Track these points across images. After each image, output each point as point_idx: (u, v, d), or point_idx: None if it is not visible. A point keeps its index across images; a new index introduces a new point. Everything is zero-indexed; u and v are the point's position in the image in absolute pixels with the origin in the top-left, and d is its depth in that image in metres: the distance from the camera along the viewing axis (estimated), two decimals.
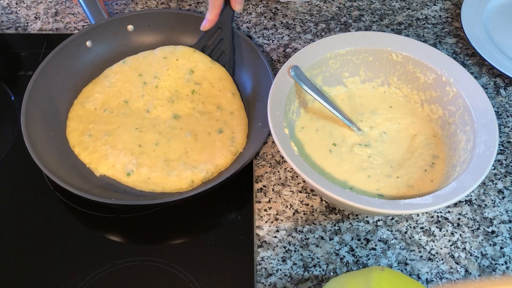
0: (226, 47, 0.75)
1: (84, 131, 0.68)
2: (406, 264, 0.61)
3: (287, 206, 0.65)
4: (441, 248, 0.62)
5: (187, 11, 0.83)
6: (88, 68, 0.75)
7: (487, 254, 0.62)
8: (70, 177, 0.63)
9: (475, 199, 0.66)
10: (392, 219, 0.64)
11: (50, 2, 0.89)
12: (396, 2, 0.92)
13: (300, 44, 0.84)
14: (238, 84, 0.75)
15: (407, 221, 0.64)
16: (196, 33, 0.76)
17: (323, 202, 0.66)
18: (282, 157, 0.69)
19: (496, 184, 0.68)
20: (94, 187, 0.63)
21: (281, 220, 0.64)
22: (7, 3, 0.89)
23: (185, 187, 0.64)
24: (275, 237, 0.62)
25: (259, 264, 0.60)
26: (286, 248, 0.61)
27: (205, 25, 0.73)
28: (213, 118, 0.70)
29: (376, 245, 0.62)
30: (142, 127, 0.69)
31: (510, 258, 0.61)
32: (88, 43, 0.75)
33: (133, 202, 0.61)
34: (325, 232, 0.63)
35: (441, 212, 0.65)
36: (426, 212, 0.64)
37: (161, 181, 0.64)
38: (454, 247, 0.62)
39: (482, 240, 0.63)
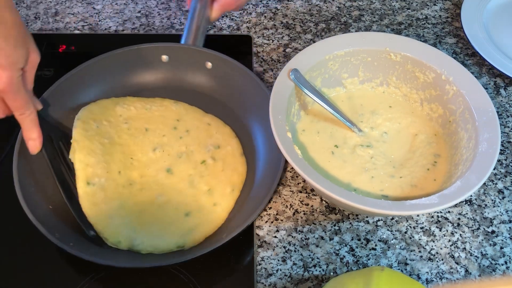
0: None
1: (96, 120, 0.67)
2: (406, 264, 0.61)
3: (287, 206, 0.65)
4: (441, 248, 0.62)
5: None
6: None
7: (487, 254, 0.62)
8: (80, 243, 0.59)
9: (475, 199, 0.66)
10: (392, 219, 0.64)
11: (50, 2, 0.89)
12: (396, 2, 0.92)
13: (300, 44, 0.84)
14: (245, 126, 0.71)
15: (407, 221, 0.64)
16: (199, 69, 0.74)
17: (323, 202, 0.66)
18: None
19: (496, 184, 0.68)
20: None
21: (281, 220, 0.64)
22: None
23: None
24: (275, 237, 0.62)
25: (259, 264, 0.60)
26: (286, 248, 0.61)
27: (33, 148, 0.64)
28: (196, 197, 0.64)
29: (376, 245, 0.62)
30: (136, 160, 0.66)
31: (510, 258, 0.61)
32: (165, 58, 0.74)
33: (153, 264, 0.57)
34: (325, 232, 0.63)
35: (441, 212, 0.65)
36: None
37: (102, 219, 0.60)
38: (454, 247, 0.62)
39: (482, 240, 0.63)
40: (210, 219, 0.62)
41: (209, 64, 0.73)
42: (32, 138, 0.62)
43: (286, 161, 0.68)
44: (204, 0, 0.74)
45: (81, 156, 0.63)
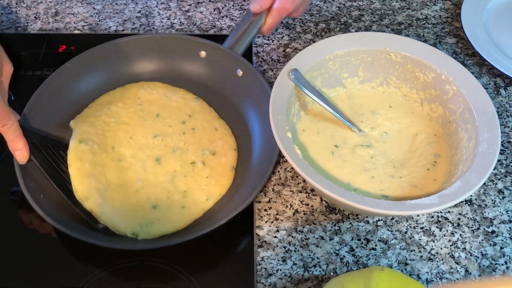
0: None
1: (111, 103, 0.71)
2: (406, 264, 0.61)
3: (287, 206, 0.65)
4: (441, 248, 0.62)
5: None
6: None
7: (487, 254, 0.62)
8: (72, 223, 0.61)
9: (475, 199, 0.66)
10: (392, 219, 0.64)
11: (50, 2, 0.89)
12: (396, 2, 0.92)
13: (300, 44, 0.84)
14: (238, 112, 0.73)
15: (407, 221, 0.64)
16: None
17: (323, 202, 0.66)
18: (282, 157, 0.69)
19: (496, 184, 0.68)
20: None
21: (281, 220, 0.64)
22: (7, 3, 0.89)
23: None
24: (275, 237, 0.62)
25: (259, 264, 0.60)
26: (286, 248, 0.61)
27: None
28: (169, 193, 0.64)
29: (376, 245, 0.62)
30: (134, 141, 0.68)
31: (510, 258, 0.61)
32: (203, 54, 0.76)
33: (151, 246, 0.59)
34: (325, 232, 0.63)
35: (441, 212, 0.65)
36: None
37: (80, 171, 0.63)
38: (454, 247, 0.62)
39: (482, 240, 0.63)
40: (173, 220, 0.62)
41: (240, 72, 0.73)
42: (19, 148, 0.62)
43: (284, 160, 0.68)
44: (258, 14, 0.73)
45: (81, 125, 0.68)
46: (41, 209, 0.58)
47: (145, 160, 0.66)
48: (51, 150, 0.65)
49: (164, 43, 0.76)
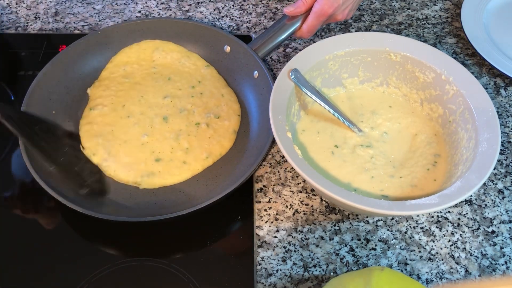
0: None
1: (126, 64, 0.75)
2: (406, 264, 0.61)
3: (287, 206, 0.65)
4: (441, 248, 0.62)
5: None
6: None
7: (487, 254, 0.62)
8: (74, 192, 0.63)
9: (475, 199, 0.66)
10: (392, 219, 0.64)
11: (50, 2, 0.89)
12: (396, 2, 0.92)
13: (300, 44, 0.84)
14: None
15: (407, 221, 0.64)
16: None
17: (323, 202, 0.66)
18: (282, 157, 0.69)
19: (496, 184, 0.68)
20: (103, 205, 0.63)
21: (281, 220, 0.64)
22: (7, 3, 0.89)
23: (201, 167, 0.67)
24: (275, 237, 0.62)
25: (259, 264, 0.60)
26: (286, 248, 0.61)
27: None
28: (171, 149, 0.69)
29: (376, 245, 0.62)
30: (144, 99, 0.72)
31: (510, 258, 0.61)
32: (228, 49, 0.77)
33: (145, 218, 0.60)
34: (325, 232, 0.63)
35: (441, 212, 0.65)
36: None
37: (88, 130, 0.69)
38: (454, 247, 0.62)
39: (482, 240, 0.63)
40: (173, 173, 0.66)
41: (256, 74, 0.74)
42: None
43: (284, 160, 0.68)
44: (295, 18, 0.73)
45: (95, 90, 0.73)
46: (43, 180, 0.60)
47: (153, 117, 0.71)
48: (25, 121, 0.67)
49: (193, 30, 0.79)
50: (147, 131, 0.69)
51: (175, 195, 0.65)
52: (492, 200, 0.66)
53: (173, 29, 0.79)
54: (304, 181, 0.67)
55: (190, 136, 0.69)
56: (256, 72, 0.74)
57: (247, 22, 0.87)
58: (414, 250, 0.62)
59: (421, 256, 0.61)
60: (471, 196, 0.67)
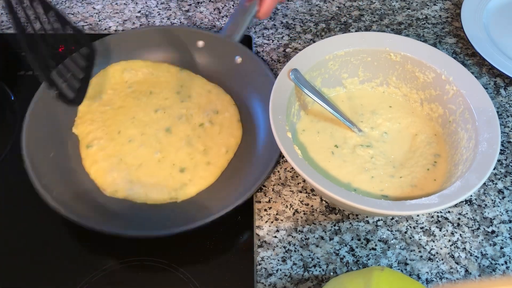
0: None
1: (101, 92, 0.71)
2: (406, 264, 0.61)
3: (287, 206, 0.65)
4: (441, 248, 0.62)
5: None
6: None
7: (487, 254, 0.62)
8: (77, 204, 0.62)
9: (475, 199, 0.66)
10: (392, 219, 0.64)
11: (50, 2, 0.89)
12: (396, 2, 0.92)
13: (300, 44, 0.84)
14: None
15: (407, 221, 0.64)
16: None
17: (323, 202, 0.66)
18: (282, 157, 0.69)
19: (496, 184, 0.68)
20: (101, 214, 0.62)
21: (281, 220, 0.64)
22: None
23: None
24: (275, 237, 0.62)
25: (259, 264, 0.60)
26: (286, 248, 0.61)
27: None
28: (191, 155, 0.68)
29: (376, 245, 0.62)
30: (137, 119, 0.70)
31: (510, 258, 0.61)
32: (201, 43, 0.76)
33: (153, 232, 0.59)
34: (325, 232, 0.63)
35: (441, 212, 0.65)
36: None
37: (103, 173, 0.65)
38: (454, 247, 0.62)
39: (482, 240, 0.63)
40: (204, 176, 0.66)
41: (239, 59, 0.74)
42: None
43: (284, 160, 0.68)
44: (251, 1, 0.74)
45: (82, 128, 0.69)
46: (58, 204, 0.59)
47: (156, 133, 0.69)
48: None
49: (161, 35, 0.77)
50: (157, 148, 0.68)
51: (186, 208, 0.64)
52: (492, 200, 0.66)
53: (136, 42, 0.76)
54: (304, 181, 0.67)
55: (200, 138, 0.69)
56: (237, 57, 0.74)
57: None
58: (414, 250, 0.62)
59: (421, 256, 0.61)
60: (471, 196, 0.67)
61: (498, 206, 0.66)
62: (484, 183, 0.68)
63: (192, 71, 0.77)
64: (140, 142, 0.68)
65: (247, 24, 0.75)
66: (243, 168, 0.67)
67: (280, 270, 0.60)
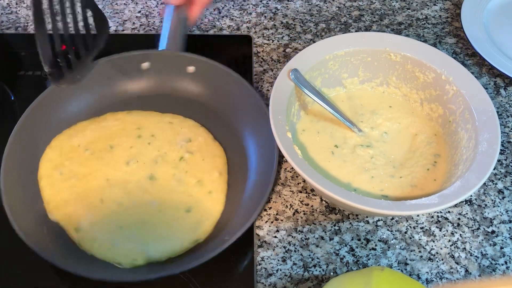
0: None
1: (58, 166, 0.64)
2: (406, 264, 0.61)
3: (287, 206, 0.65)
4: (441, 248, 0.62)
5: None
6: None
7: (487, 254, 0.62)
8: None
9: (475, 199, 0.66)
10: (392, 219, 0.64)
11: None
12: (396, 2, 0.92)
13: (300, 44, 0.84)
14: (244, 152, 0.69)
15: (407, 221, 0.64)
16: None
17: (323, 202, 0.66)
18: (282, 157, 0.69)
19: (496, 184, 0.68)
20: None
21: (281, 220, 0.64)
22: (7, 3, 0.89)
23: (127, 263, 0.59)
24: (275, 237, 0.62)
25: (259, 264, 0.60)
26: (286, 248, 0.61)
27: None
28: (189, 192, 0.64)
29: (376, 245, 0.62)
30: (113, 179, 0.64)
31: (510, 258, 0.61)
32: (145, 65, 0.72)
33: (160, 274, 0.56)
34: (325, 232, 0.63)
35: (441, 212, 0.65)
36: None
37: (108, 249, 0.59)
38: (454, 247, 0.62)
39: (482, 240, 0.63)
40: (211, 207, 0.62)
41: (191, 69, 0.72)
42: None
43: (284, 160, 0.68)
44: (181, 7, 0.72)
45: (59, 213, 0.61)
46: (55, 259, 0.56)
47: (141, 186, 0.63)
48: None
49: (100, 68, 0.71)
50: (150, 198, 0.62)
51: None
52: (492, 200, 0.66)
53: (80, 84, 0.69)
54: (304, 181, 0.67)
55: (188, 172, 0.65)
56: (190, 67, 0.72)
57: (247, 22, 0.87)
58: (414, 250, 0.62)
59: (421, 256, 0.61)
60: (471, 196, 0.67)
61: (498, 206, 0.66)
62: (484, 183, 0.68)
63: (146, 102, 0.72)
64: (130, 202, 0.62)
65: (184, 33, 0.73)
66: (244, 180, 0.65)
67: (280, 270, 0.60)
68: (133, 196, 0.63)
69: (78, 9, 0.64)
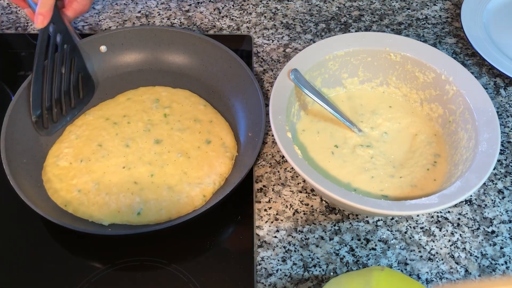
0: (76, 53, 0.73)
1: (70, 189, 0.63)
2: (406, 264, 0.61)
3: (287, 206, 0.65)
4: (441, 248, 0.62)
5: (162, 27, 0.80)
6: None
7: (487, 254, 0.62)
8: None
9: (475, 199, 0.66)
10: (392, 219, 0.64)
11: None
12: (396, 2, 0.92)
13: (300, 44, 0.84)
14: (224, 101, 0.74)
15: (407, 221, 0.64)
16: (175, 49, 0.78)
17: (323, 202, 0.66)
18: (282, 157, 0.69)
19: (496, 184, 0.68)
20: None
21: (281, 220, 0.64)
22: (7, 3, 0.89)
23: (198, 203, 0.63)
24: (275, 237, 0.62)
25: (259, 264, 0.60)
26: (286, 248, 0.61)
27: (39, 21, 0.68)
28: (195, 131, 0.69)
29: (376, 245, 0.62)
30: (128, 163, 0.66)
31: (510, 258, 0.61)
32: (63, 69, 0.72)
33: (151, 228, 0.59)
34: (325, 232, 0.63)
35: (441, 212, 0.65)
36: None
37: (174, 208, 0.62)
38: (454, 247, 0.62)
39: (482, 240, 0.63)
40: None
41: (102, 48, 0.76)
42: (41, 12, 0.66)
43: (284, 160, 0.68)
44: (54, 17, 0.70)
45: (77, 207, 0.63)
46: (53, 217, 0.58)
47: (173, 155, 0.67)
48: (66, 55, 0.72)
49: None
50: (150, 169, 0.66)
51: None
52: (492, 200, 0.66)
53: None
54: (304, 181, 0.67)
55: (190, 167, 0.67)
56: (102, 46, 0.76)
57: (247, 22, 0.87)
58: (414, 250, 0.62)
59: (421, 256, 0.61)
60: (471, 196, 0.67)
61: (498, 206, 0.66)
62: (484, 183, 0.68)
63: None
64: (160, 164, 0.66)
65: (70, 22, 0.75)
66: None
67: (280, 270, 0.60)
68: (158, 162, 0.66)
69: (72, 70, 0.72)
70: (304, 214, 0.64)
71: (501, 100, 0.77)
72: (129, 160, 0.66)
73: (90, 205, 0.62)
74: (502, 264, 0.61)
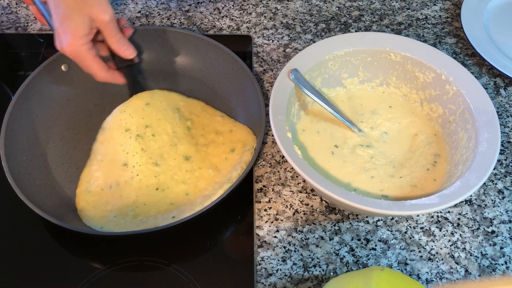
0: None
1: (106, 215, 0.62)
2: (406, 264, 0.61)
3: (287, 206, 0.65)
4: (441, 248, 0.62)
5: (164, 27, 0.77)
6: (65, 93, 0.73)
7: (487, 254, 0.62)
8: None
9: (475, 199, 0.66)
10: (392, 219, 0.64)
11: None
12: (396, 2, 0.92)
13: (300, 44, 0.84)
14: (225, 101, 0.75)
15: (407, 221, 0.64)
16: (177, 50, 0.78)
17: (323, 202, 0.66)
18: (282, 157, 0.69)
19: (496, 184, 0.68)
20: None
21: (281, 220, 0.64)
22: (7, 3, 0.89)
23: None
24: (275, 237, 0.62)
25: (259, 264, 0.60)
26: (286, 248, 0.61)
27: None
28: (219, 144, 0.69)
29: (376, 245, 0.62)
30: (161, 184, 0.64)
31: (510, 258, 0.61)
32: (63, 67, 0.72)
33: (151, 228, 0.59)
34: (325, 232, 0.63)
35: (441, 212, 0.65)
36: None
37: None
38: (454, 247, 0.62)
39: (482, 240, 0.63)
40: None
41: (64, 67, 0.72)
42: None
43: (284, 160, 0.68)
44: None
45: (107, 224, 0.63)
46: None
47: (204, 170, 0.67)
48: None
49: None
50: (156, 183, 0.65)
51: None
52: (492, 200, 0.66)
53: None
54: (304, 181, 0.67)
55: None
56: (63, 66, 0.72)
57: (247, 22, 0.87)
58: (414, 250, 0.62)
59: (421, 256, 0.61)
60: (471, 196, 0.67)
61: (498, 206, 0.66)
62: (484, 183, 0.68)
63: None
64: (195, 182, 0.66)
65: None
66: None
67: (280, 270, 0.60)
68: (192, 181, 0.66)
69: None
70: (304, 214, 0.64)
71: (501, 100, 0.77)
72: (161, 181, 0.65)
73: (127, 227, 0.61)
74: (502, 264, 0.61)
